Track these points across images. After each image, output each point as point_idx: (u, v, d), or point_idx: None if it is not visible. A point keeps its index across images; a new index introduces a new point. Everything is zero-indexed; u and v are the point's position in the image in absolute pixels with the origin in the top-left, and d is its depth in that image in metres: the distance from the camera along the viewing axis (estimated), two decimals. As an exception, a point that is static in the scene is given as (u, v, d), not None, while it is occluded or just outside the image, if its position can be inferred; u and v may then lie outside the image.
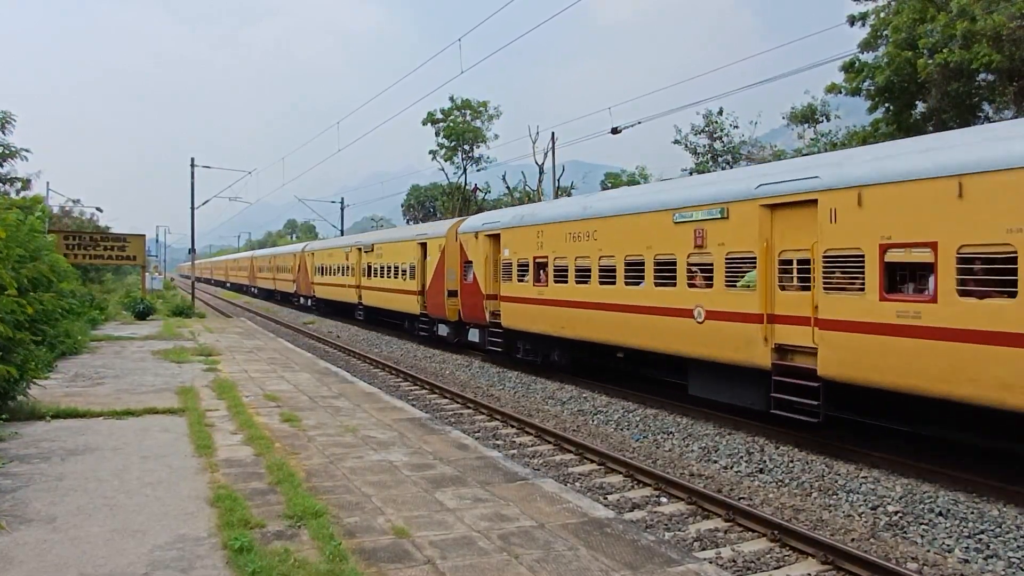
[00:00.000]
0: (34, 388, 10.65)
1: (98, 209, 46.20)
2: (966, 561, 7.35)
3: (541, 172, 45.82)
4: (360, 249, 33.47)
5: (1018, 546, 7.47)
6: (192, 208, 38.29)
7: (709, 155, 37.78)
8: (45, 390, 11.44)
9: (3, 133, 22.68)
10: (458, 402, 15.88)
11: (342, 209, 57.55)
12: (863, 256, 9.77)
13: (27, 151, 24.27)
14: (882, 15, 24.01)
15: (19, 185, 29.13)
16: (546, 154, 42.37)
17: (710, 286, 12.47)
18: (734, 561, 7.34)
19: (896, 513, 8.49)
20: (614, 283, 14.99)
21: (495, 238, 20.62)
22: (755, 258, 11.48)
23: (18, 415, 10.04)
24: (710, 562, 6.76)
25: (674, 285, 13.29)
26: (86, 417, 10.35)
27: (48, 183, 34.57)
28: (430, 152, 56.59)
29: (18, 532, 5.85)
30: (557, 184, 41.09)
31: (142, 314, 30.23)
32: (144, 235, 32.39)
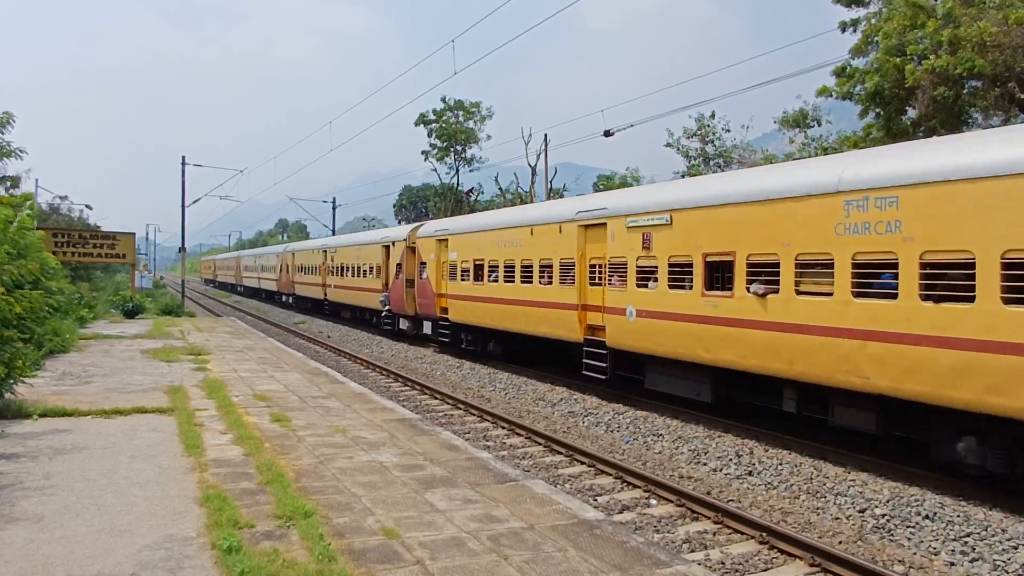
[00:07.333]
0: (21, 386, 10.59)
1: (87, 207, 45.69)
2: (952, 564, 7.42)
3: (534, 174, 45.85)
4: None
5: (1003, 549, 7.54)
6: (183, 206, 38.07)
7: (701, 159, 37.82)
8: (33, 388, 11.36)
9: (2, 132, 22.56)
10: (448, 403, 15.87)
11: (333, 209, 57.44)
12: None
13: (23, 151, 24.12)
14: (872, 22, 24.15)
15: (8, 183, 28.88)
16: (539, 156, 42.46)
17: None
18: (723, 563, 7.38)
19: (883, 516, 8.56)
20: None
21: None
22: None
23: (5, 413, 9.98)
24: (699, 564, 6.77)
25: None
26: (74, 416, 10.28)
27: (37, 180, 34.27)
28: (422, 153, 56.61)
29: (4, 531, 5.81)
30: (549, 186, 41.13)
31: (131, 313, 30.10)
32: (134, 233, 32.23)
